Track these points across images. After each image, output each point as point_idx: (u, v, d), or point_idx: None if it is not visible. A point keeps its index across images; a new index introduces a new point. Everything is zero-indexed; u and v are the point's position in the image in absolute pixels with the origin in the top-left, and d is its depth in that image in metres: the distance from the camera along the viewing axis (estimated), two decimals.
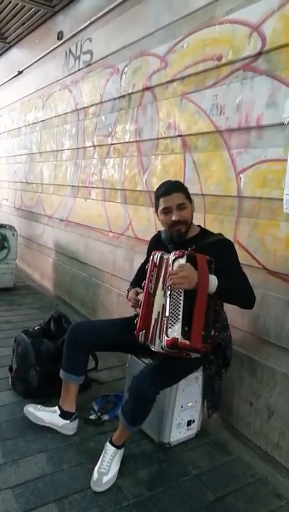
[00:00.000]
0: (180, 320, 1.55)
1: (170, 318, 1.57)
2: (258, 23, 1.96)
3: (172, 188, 1.83)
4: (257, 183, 1.99)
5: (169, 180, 1.93)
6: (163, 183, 1.90)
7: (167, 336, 1.56)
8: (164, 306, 1.65)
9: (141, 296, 1.84)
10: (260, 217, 1.98)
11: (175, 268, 1.63)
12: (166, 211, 1.81)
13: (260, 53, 1.96)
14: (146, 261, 2.05)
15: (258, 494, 1.74)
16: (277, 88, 1.87)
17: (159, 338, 1.66)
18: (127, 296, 2.01)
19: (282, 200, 1.84)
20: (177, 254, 1.67)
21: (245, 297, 1.75)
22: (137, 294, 1.94)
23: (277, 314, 1.89)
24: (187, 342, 1.52)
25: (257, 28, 1.96)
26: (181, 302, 1.57)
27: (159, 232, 2.04)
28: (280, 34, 1.85)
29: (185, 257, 1.64)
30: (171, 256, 1.69)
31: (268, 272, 1.95)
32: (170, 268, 1.66)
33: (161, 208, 1.83)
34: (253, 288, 1.99)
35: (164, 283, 1.69)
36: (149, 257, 1.89)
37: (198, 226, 1.94)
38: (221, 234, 1.90)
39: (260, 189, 1.97)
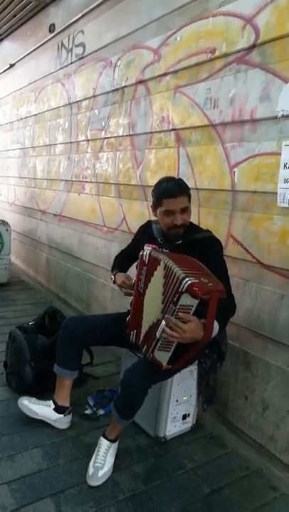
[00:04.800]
0: (170, 351, 1.59)
1: (161, 343, 1.59)
2: (251, 16, 1.94)
3: (177, 189, 1.74)
4: (251, 176, 1.98)
5: (172, 178, 1.83)
6: (166, 181, 1.80)
7: (153, 356, 1.63)
8: (158, 324, 1.59)
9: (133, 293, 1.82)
10: (254, 211, 1.98)
11: (181, 302, 1.48)
12: (169, 213, 1.75)
13: (253, 46, 1.94)
14: (132, 246, 2.09)
15: (253, 487, 1.75)
16: (271, 81, 1.86)
17: (147, 350, 1.68)
18: (114, 281, 2.01)
19: (276, 193, 1.84)
20: (192, 291, 1.44)
21: (230, 316, 1.75)
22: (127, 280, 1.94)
23: (271, 308, 1.90)
24: (170, 366, 1.62)
25: (250, 21, 1.95)
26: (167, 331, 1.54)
27: (150, 222, 2.01)
28: (273, 26, 1.84)
29: (198, 302, 1.47)
30: (184, 284, 1.44)
31: (262, 265, 1.95)
32: (177, 291, 1.47)
33: (163, 209, 1.75)
34: (247, 282, 2.00)
35: (166, 291, 1.55)
36: (136, 244, 1.90)
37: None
38: (208, 230, 1.88)
39: (254, 183, 1.97)
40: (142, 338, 1.75)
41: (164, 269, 1.58)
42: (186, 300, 1.47)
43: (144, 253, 1.72)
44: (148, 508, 1.58)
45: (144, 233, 1.99)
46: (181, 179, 1.87)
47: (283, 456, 1.85)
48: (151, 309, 1.68)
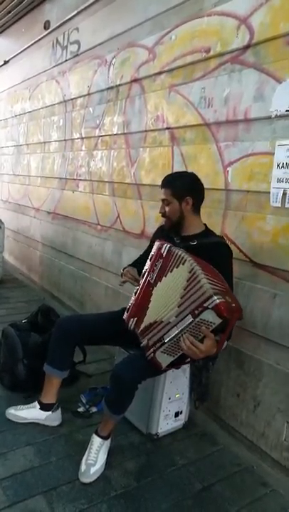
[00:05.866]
0: (174, 357, 1.62)
1: (167, 347, 1.62)
2: (246, 16, 1.95)
3: (164, 182, 1.87)
4: (244, 176, 1.99)
5: (174, 173, 1.99)
6: (169, 174, 1.95)
7: (154, 356, 1.65)
8: (168, 327, 1.60)
9: (140, 282, 1.80)
10: (248, 210, 1.99)
11: (203, 317, 1.49)
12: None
13: (248, 46, 1.95)
14: (149, 248, 2.02)
15: (244, 483, 1.77)
16: (264, 81, 1.87)
17: (147, 348, 1.68)
18: (122, 274, 2.01)
19: (269, 193, 1.85)
20: (219, 310, 1.44)
21: None
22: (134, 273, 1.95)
23: (263, 307, 1.91)
24: (168, 368, 1.69)
25: (245, 21, 1.96)
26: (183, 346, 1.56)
27: None
28: (267, 27, 1.85)
29: (221, 321, 1.48)
30: (212, 301, 1.45)
31: (254, 265, 1.96)
32: (201, 305, 1.47)
33: None
34: (239, 281, 2.01)
35: (186, 297, 1.55)
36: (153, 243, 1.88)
37: (204, 224, 1.92)
38: (222, 237, 1.90)
39: (247, 182, 1.98)
40: (141, 328, 1.74)
41: (190, 273, 1.56)
42: (209, 316, 1.48)
43: (164, 246, 1.72)
44: (140, 504, 1.59)
45: (161, 233, 1.99)
46: (182, 175, 1.94)
47: (274, 452, 1.87)
48: (160, 305, 1.67)
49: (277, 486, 1.77)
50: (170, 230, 1.90)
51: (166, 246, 1.72)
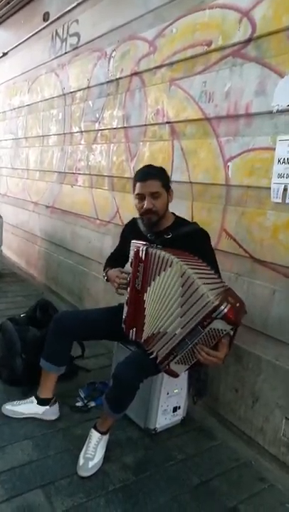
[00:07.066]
0: (189, 365, 1.63)
1: (180, 358, 1.61)
2: (248, 9, 1.93)
3: (149, 174, 1.78)
4: (245, 171, 1.98)
5: (150, 165, 1.88)
6: (143, 167, 1.88)
7: (169, 367, 1.65)
8: (175, 338, 1.58)
9: (128, 290, 1.74)
10: (248, 205, 1.98)
11: (213, 326, 1.47)
12: (140, 197, 1.78)
13: (249, 40, 1.93)
14: (120, 246, 2.06)
15: (241, 478, 1.77)
16: (266, 76, 1.86)
17: (161, 361, 1.66)
18: (106, 279, 1.98)
19: (269, 189, 1.84)
20: (228, 319, 1.44)
21: None
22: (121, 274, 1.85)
23: (263, 303, 1.91)
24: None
25: (247, 14, 1.94)
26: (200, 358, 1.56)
27: (134, 219, 2.00)
28: (269, 20, 1.83)
29: (231, 328, 1.50)
30: (221, 311, 1.42)
31: (254, 260, 1.96)
32: (209, 316, 1.45)
33: (135, 192, 1.80)
34: (239, 276, 2.01)
35: (187, 306, 1.52)
36: (124, 244, 1.88)
37: (173, 214, 1.90)
38: (196, 223, 1.88)
39: (248, 178, 1.97)
40: (144, 338, 1.70)
41: (182, 277, 1.52)
42: (218, 325, 1.46)
43: (141, 249, 1.65)
44: (138, 498, 1.60)
45: (131, 231, 1.95)
46: (161, 167, 1.88)
47: (272, 448, 1.88)
48: (158, 313, 1.63)
49: (275, 481, 1.78)
50: (151, 227, 1.83)
51: (142, 248, 1.64)
